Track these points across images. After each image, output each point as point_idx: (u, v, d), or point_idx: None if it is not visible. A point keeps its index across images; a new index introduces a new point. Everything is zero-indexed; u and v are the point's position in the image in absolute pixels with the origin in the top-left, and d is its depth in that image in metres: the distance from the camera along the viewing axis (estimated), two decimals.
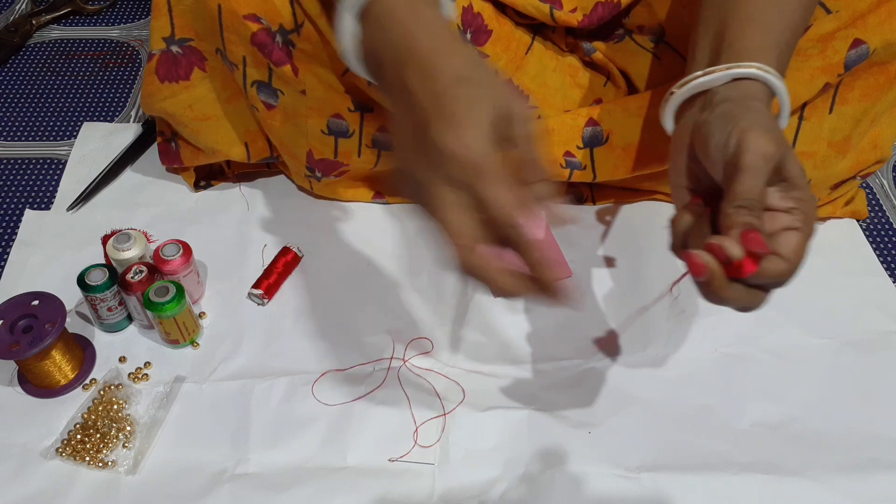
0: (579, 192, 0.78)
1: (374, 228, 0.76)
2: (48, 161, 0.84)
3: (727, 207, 0.43)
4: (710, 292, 0.44)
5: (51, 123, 0.89)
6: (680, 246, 0.47)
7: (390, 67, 0.45)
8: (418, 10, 0.45)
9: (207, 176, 0.80)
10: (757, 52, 0.49)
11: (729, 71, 0.48)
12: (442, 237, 0.42)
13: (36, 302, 0.61)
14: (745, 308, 0.45)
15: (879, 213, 0.80)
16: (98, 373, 0.64)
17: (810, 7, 0.56)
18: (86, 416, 0.61)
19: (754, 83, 0.49)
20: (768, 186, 0.45)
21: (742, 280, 0.43)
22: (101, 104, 0.91)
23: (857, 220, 0.78)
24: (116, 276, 0.64)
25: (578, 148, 0.70)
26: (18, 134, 0.88)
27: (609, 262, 0.73)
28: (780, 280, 0.44)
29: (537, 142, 0.42)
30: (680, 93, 0.51)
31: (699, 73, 0.50)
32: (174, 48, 0.67)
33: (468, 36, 0.67)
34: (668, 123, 0.54)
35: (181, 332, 0.64)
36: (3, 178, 0.82)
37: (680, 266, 0.45)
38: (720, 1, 0.53)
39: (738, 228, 0.42)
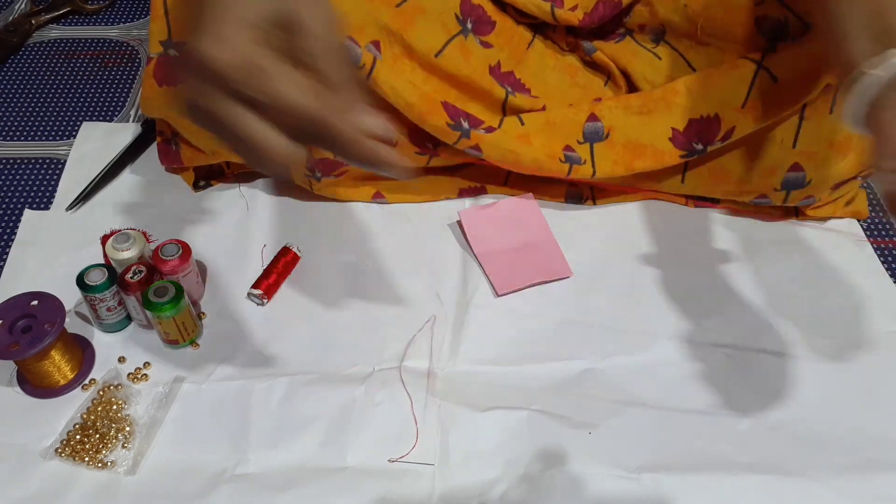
0: (579, 192, 0.78)
1: (373, 228, 0.76)
2: (47, 161, 0.84)
3: None
4: None
5: (50, 123, 0.89)
6: None
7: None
8: None
9: (207, 176, 0.80)
10: None
11: None
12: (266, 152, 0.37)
13: (35, 302, 0.61)
14: None
15: (880, 213, 0.80)
16: (97, 373, 0.64)
17: None
18: (85, 416, 0.61)
19: None
20: None
21: None
22: (100, 104, 0.91)
23: (858, 220, 0.78)
24: (116, 276, 0.64)
25: (578, 143, 0.70)
26: (17, 133, 0.88)
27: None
28: None
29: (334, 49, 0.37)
30: (882, 70, 0.45)
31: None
32: (172, 52, 0.67)
33: (469, 25, 0.67)
34: (859, 110, 0.47)
35: (180, 333, 0.64)
36: (2, 177, 0.82)
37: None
38: None
39: None
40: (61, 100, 0.92)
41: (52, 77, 0.95)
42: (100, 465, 0.58)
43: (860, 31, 0.48)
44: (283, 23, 0.36)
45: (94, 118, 0.89)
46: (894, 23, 0.46)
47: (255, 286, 0.69)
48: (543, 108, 0.70)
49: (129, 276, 0.63)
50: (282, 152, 0.37)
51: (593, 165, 0.70)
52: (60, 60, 0.97)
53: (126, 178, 0.81)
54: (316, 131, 0.36)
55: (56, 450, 0.59)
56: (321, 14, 0.36)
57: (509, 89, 0.69)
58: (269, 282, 0.70)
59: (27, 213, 0.77)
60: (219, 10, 0.35)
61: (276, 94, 0.35)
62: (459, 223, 0.75)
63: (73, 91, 0.93)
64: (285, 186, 0.79)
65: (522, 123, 0.69)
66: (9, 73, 0.95)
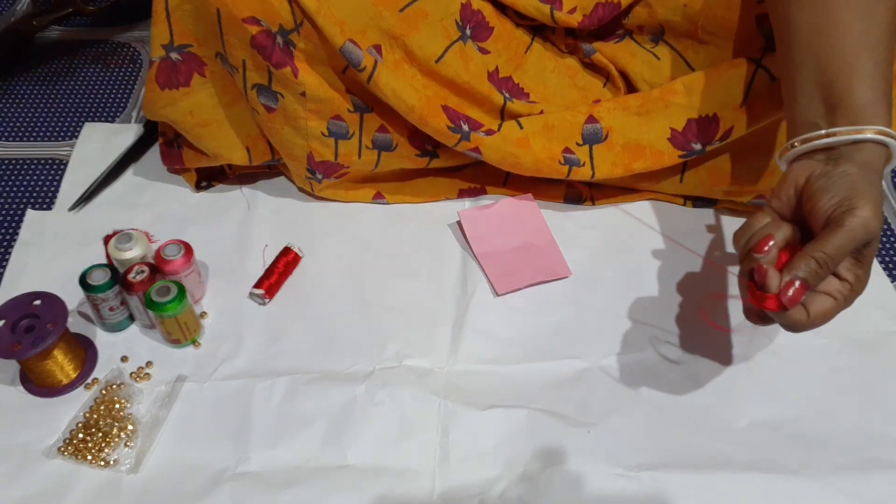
0: (579, 192, 0.78)
1: (374, 229, 0.76)
2: (50, 161, 0.84)
3: (810, 249, 0.48)
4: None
5: (52, 124, 0.89)
6: (743, 242, 0.53)
7: None
8: None
9: (208, 176, 0.80)
10: (871, 108, 0.51)
11: (852, 136, 0.51)
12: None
13: (38, 302, 0.61)
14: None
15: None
16: (100, 372, 0.64)
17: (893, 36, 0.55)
18: (88, 415, 0.61)
19: (875, 146, 0.51)
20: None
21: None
22: (102, 105, 0.92)
23: None
24: (118, 275, 0.64)
25: (578, 145, 0.70)
26: (20, 134, 0.88)
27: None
28: (793, 329, 0.50)
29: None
30: (802, 148, 0.53)
31: (822, 133, 0.52)
32: (173, 55, 0.67)
33: (468, 31, 0.68)
34: (783, 168, 0.57)
35: (182, 332, 0.64)
36: (5, 178, 0.82)
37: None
38: (810, 43, 0.54)
39: (794, 277, 0.48)
40: (63, 101, 0.92)
41: (54, 78, 0.95)
42: (102, 463, 0.58)
43: (809, 86, 0.54)
44: None
45: (95, 119, 0.90)
46: (834, 97, 0.52)
47: (256, 286, 0.70)
48: (542, 113, 0.70)
49: (131, 275, 0.63)
50: None
51: (592, 167, 0.70)
52: (62, 61, 0.98)
53: (128, 178, 0.81)
54: None
55: (59, 449, 0.59)
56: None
57: (507, 95, 0.70)
58: (270, 282, 0.70)
59: (30, 213, 0.77)
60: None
61: None
62: (459, 223, 0.75)
63: (74, 92, 0.93)
64: (287, 187, 0.79)
65: (521, 128, 0.69)
66: (11, 75, 0.96)
